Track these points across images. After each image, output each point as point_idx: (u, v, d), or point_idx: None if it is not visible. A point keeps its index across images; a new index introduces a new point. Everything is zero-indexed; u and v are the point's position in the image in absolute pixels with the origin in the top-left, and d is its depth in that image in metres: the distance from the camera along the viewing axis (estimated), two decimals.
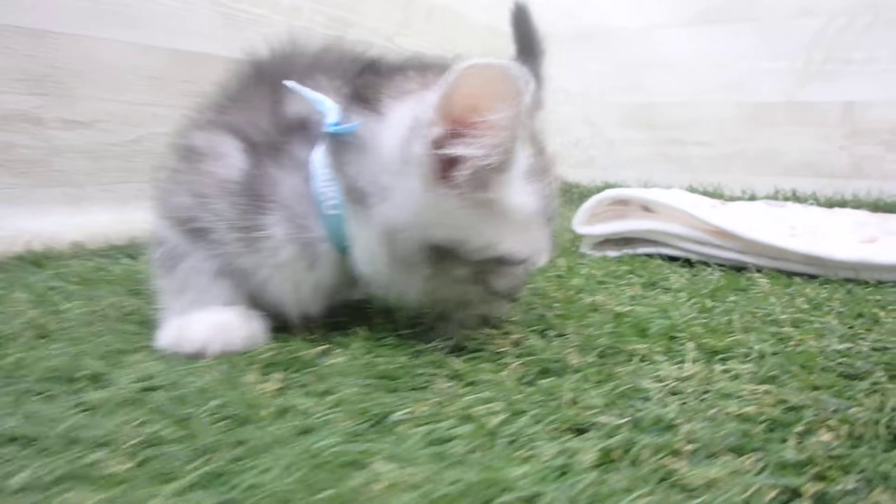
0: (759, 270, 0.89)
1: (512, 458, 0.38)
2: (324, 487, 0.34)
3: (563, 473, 0.37)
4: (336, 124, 0.52)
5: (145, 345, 0.56)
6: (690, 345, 0.57)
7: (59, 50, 0.98)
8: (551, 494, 0.34)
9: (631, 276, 0.87)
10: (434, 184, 0.48)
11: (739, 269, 0.92)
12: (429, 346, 0.55)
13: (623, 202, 1.08)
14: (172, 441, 0.39)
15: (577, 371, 0.51)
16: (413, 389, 0.48)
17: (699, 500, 0.34)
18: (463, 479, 0.35)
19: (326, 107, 0.53)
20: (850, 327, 0.64)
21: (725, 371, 0.52)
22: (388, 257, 0.53)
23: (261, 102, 0.58)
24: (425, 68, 0.55)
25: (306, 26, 1.05)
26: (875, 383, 0.49)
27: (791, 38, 1.71)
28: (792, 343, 0.58)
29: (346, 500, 0.33)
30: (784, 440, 0.41)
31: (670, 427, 0.42)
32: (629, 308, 0.69)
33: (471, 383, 0.49)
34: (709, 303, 0.73)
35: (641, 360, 0.54)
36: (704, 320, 0.65)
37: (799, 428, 0.42)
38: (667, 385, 0.49)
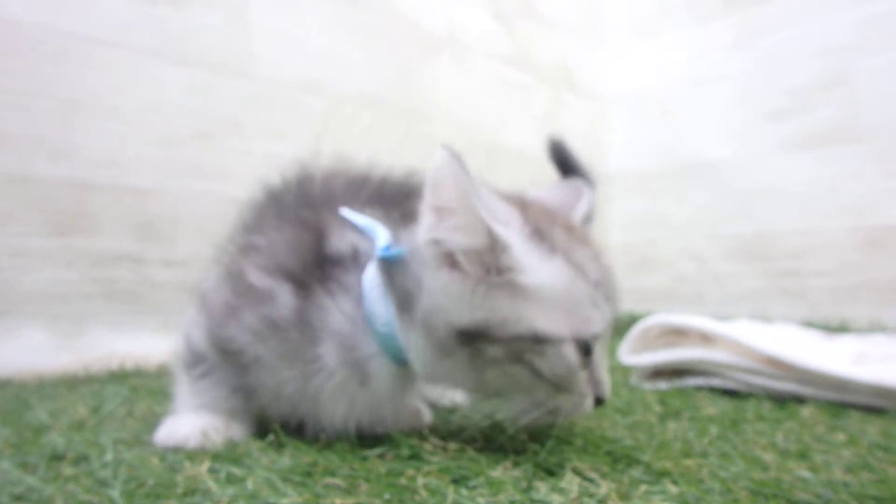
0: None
1: None
2: None
3: None
4: (387, 248, 0.57)
5: (145, 438, 0.64)
6: (638, 467, 0.51)
7: (159, 203, 1.18)
8: None
9: (658, 405, 0.80)
10: (441, 272, 0.54)
11: (801, 400, 0.81)
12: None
13: (680, 331, 1.01)
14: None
15: (490, 483, 0.48)
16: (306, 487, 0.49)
17: None
18: None
19: (377, 233, 0.59)
20: (864, 460, 0.53)
21: (647, 492, 0.46)
22: (432, 350, 0.55)
23: (305, 238, 0.63)
24: None
25: None
26: None
27: None
28: (767, 472, 0.50)
29: None
30: None
31: None
32: (612, 433, 0.63)
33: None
34: (715, 430, 0.65)
35: (563, 476, 0.49)
36: (683, 445, 0.58)
37: None
38: (567, 499, 0.44)
